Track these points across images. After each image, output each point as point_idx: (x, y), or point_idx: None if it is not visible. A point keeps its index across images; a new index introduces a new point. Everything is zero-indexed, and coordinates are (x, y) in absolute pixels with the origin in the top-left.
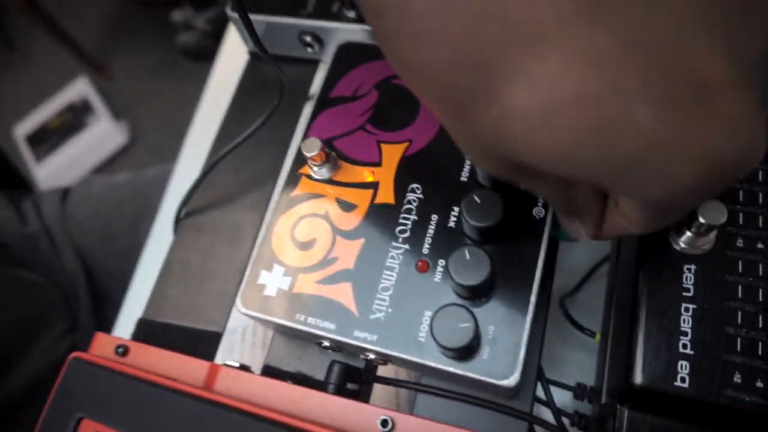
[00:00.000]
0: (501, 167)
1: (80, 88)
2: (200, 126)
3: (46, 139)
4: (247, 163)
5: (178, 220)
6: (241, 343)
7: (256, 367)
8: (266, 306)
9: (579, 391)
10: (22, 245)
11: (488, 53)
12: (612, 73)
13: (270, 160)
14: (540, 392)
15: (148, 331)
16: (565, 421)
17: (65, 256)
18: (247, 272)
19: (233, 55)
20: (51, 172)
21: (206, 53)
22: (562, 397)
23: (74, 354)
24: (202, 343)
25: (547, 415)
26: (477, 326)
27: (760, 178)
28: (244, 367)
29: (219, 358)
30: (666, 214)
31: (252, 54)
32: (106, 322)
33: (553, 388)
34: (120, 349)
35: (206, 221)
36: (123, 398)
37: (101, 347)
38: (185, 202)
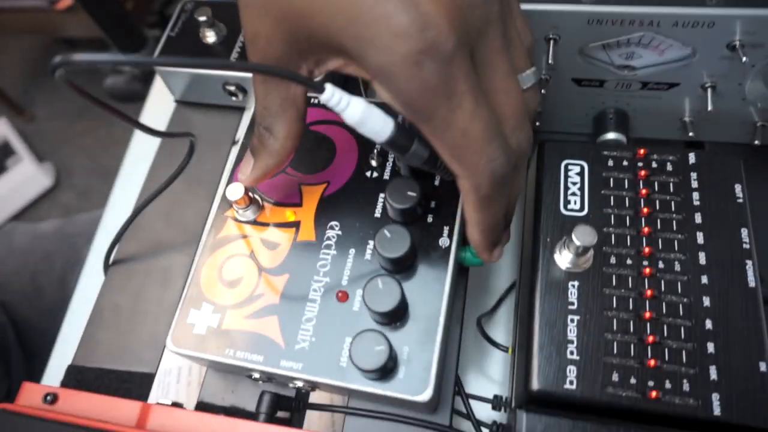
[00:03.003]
0: (272, 31)
1: None
2: (129, 169)
3: None
4: (177, 207)
5: (107, 264)
6: (177, 383)
7: (191, 405)
8: (196, 343)
9: (496, 402)
10: None
11: None
12: None
13: (199, 203)
14: (460, 406)
15: (79, 378)
16: (485, 430)
17: None
18: (177, 312)
19: (162, 99)
20: None
21: (134, 96)
22: (483, 409)
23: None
24: (135, 385)
25: (467, 426)
26: (392, 349)
27: (627, 204)
28: (175, 404)
29: (152, 399)
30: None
31: (178, 102)
32: (35, 381)
33: (474, 401)
34: (48, 397)
35: (136, 264)
36: None
37: (29, 397)
38: (113, 245)
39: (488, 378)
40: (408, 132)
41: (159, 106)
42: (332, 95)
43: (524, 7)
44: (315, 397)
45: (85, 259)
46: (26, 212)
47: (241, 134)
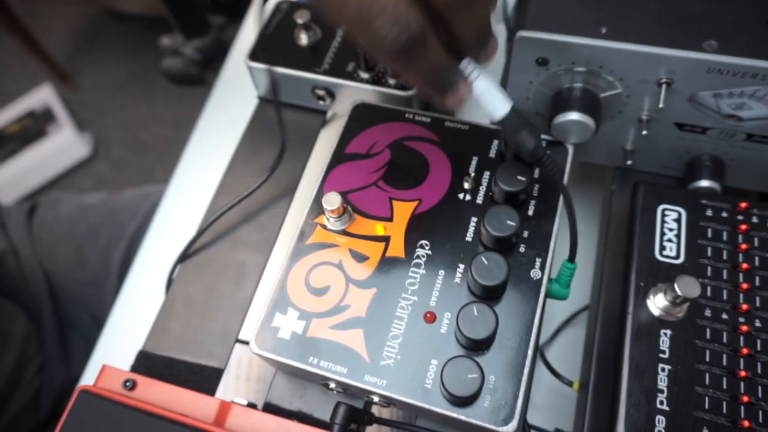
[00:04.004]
0: None
1: (43, 96)
2: (193, 154)
3: (1, 145)
4: (254, 204)
5: (170, 281)
6: (226, 375)
7: (258, 406)
8: (280, 348)
9: None
10: None
11: None
12: None
13: (277, 202)
14: None
15: (148, 364)
16: None
17: (32, 279)
18: (262, 314)
19: (230, 85)
20: (7, 179)
21: (191, 79)
22: None
23: (82, 387)
24: (204, 379)
25: None
26: (484, 377)
27: (725, 257)
28: (251, 405)
29: (219, 394)
30: None
31: (261, 99)
32: (70, 352)
33: None
34: (128, 383)
35: (211, 257)
36: None
37: (108, 380)
38: (180, 260)
39: (537, 405)
40: (522, 119)
41: (232, 96)
42: (468, 63)
43: (643, 49)
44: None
45: (132, 235)
46: (62, 180)
47: (330, 113)
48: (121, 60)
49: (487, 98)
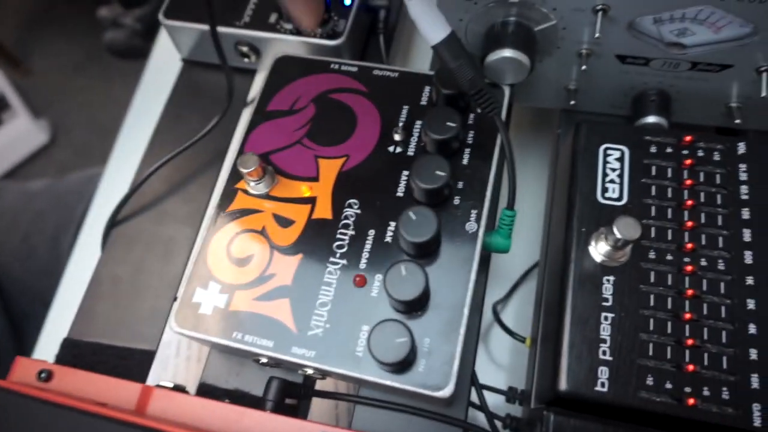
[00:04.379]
0: None
1: None
2: (130, 129)
3: None
4: (181, 173)
5: (106, 237)
6: (176, 357)
7: (192, 383)
8: (202, 325)
9: (511, 394)
10: None
11: None
12: None
13: (206, 171)
14: (474, 396)
15: (74, 352)
16: (498, 424)
17: None
18: (182, 290)
19: (166, 56)
20: None
21: (135, 52)
22: (494, 400)
23: None
24: (135, 362)
25: (481, 418)
26: (413, 340)
27: (670, 195)
28: (178, 388)
29: (152, 375)
30: None
31: (185, 61)
32: (27, 346)
33: (486, 392)
34: (43, 374)
35: (137, 233)
36: (47, 429)
37: (22, 373)
38: (114, 217)
39: (496, 364)
40: (460, 48)
41: (164, 64)
42: None
43: None
44: (321, 383)
45: (80, 219)
46: (21, 169)
47: (252, 95)
48: (73, 41)
49: (425, 20)
